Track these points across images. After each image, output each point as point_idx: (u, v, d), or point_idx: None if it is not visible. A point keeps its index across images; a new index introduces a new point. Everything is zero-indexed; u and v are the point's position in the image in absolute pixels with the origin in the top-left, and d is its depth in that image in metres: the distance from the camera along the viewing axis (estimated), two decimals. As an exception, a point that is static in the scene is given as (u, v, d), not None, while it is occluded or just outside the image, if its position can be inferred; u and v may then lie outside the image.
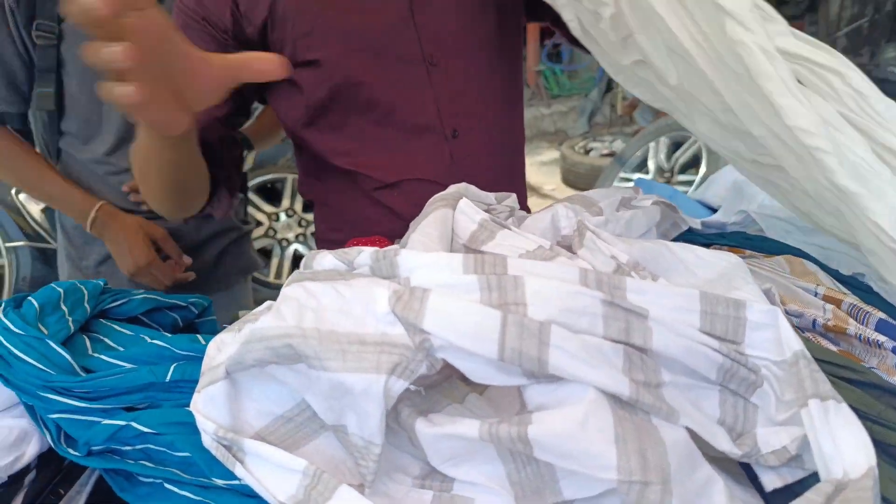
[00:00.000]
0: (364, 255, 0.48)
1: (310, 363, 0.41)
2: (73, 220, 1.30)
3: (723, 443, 0.41)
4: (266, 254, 3.21)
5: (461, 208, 0.55)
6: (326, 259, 0.49)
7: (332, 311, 0.42)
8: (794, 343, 0.43)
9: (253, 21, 0.84)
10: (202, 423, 0.46)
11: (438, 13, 0.88)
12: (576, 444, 0.37)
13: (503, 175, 0.98)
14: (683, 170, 3.86)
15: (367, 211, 0.93)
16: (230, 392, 0.46)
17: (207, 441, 0.46)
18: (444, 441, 0.41)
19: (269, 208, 3.17)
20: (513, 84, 1.00)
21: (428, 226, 0.51)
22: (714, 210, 0.98)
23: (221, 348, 0.50)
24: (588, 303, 0.41)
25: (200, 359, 0.54)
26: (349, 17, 0.84)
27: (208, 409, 0.46)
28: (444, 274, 0.44)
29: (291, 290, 0.45)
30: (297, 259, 3.22)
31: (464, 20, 0.90)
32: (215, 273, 1.42)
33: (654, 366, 0.42)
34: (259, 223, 3.16)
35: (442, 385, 0.45)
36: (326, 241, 1.03)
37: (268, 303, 0.52)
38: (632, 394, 0.38)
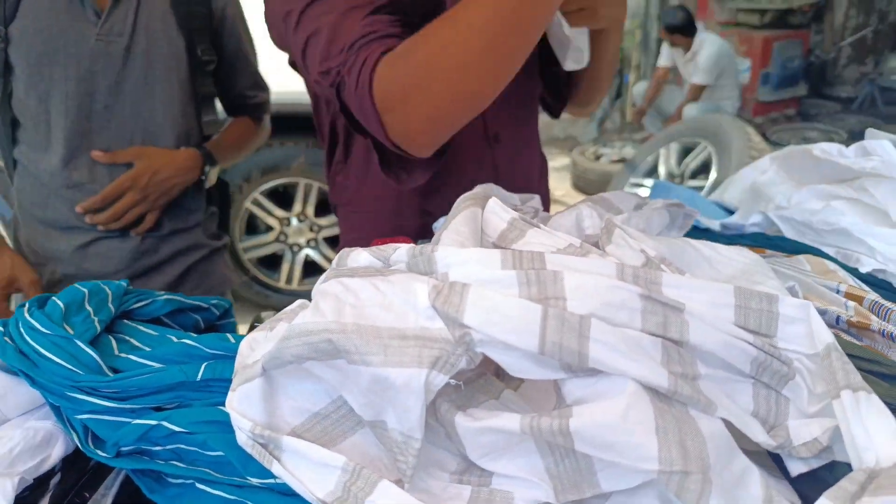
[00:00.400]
0: (400, 251, 0.48)
1: (350, 358, 0.41)
2: (26, 237, 1.28)
3: (758, 434, 0.42)
4: (277, 259, 3.17)
5: (490, 207, 0.56)
6: (362, 256, 0.50)
7: (372, 306, 0.43)
8: (825, 336, 0.44)
9: None
10: (238, 420, 0.46)
11: None
12: (617, 435, 0.37)
13: (538, 179, 0.99)
14: (694, 175, 3.89)
15: (405, 215, 0.93)
16: (266, 390, 0.46)
17: (243, 439, 0.46)
18: (483, 435, 0.41)
19: (280, 213, 3.13)
20: (537, 89, 1.01)
21: (459, 224, 0.52)
22: (731, 212, 0.99)
23: (254, 347, 0.50)
24: (626, 297, 0.42)
25: (231, 357, 0.54)
26: None
27: (244, 406, 0.46)
28: (483, 269, 0.44)
29: (329, 286, 0.45)
30: (307, 264, 3.19)
31: None
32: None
33: (691, 359, 0.43)
34: (270, 228, 3.14)
35: (477, 381, 0.45)
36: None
37: (301, 301, 0.52)
38: (671, 386, 0.39)
